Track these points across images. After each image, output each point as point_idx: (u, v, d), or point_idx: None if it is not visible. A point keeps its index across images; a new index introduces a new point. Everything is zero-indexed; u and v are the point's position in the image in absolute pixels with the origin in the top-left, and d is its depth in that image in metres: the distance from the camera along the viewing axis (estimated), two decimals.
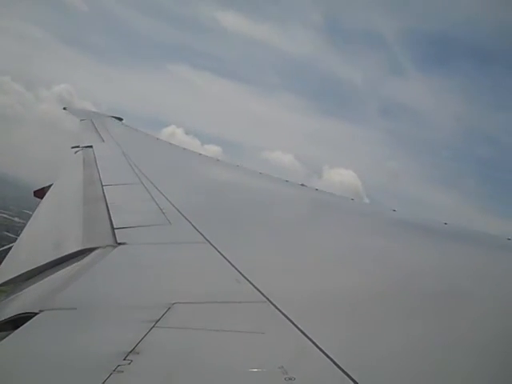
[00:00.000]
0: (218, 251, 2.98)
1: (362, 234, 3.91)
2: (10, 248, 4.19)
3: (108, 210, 4.14)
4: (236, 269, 2.62)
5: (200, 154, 9.36)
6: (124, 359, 1.60)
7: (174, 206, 4.28)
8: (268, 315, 2.03)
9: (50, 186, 6.64)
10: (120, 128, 12.96)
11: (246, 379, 1.54)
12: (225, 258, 2.84)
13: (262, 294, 2.24)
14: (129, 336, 1.80)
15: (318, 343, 1.73)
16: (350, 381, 1.49)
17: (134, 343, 1.71)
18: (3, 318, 2.27)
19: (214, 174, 7.44)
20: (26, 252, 3.95)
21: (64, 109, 15.61)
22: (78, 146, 8.74)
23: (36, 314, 2.10)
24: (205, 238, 3.30)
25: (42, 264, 3.14)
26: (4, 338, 1.90)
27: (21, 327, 1.98)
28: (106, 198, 4.64)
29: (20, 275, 3.10)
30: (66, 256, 3.19)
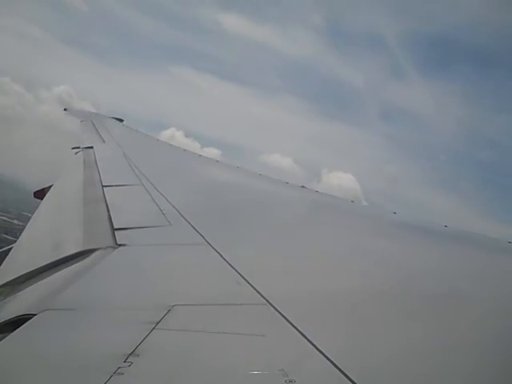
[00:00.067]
0: (218, 253, 2.97)
1: (363, 236, 3.91)
2: (9, 249, 4.19)
3: (108, 211, 4.14)
4: (236, 271, 2.61)
5: (200, 156, 9.37)
6: (124, 361, 1.59)
7: (174, 207, 4.28)
8: (268, 317, 2.02)
9: (50, 187, 6.63)
10: (121, 129, 12.97)
11: (247, 382, 1.54)
12: (225, 259, 2.84)
13: (262, 296, 2.24)
14: (129, 338, 1.80)
15: (318, 346, 1.73)
16: (351, 383, 1.49)
17: (135, 345, 1.71)
18: (3, 320, 2.26)
19: (214, 175, 7.45)
20: (26, 253, 3.95)
21: (65, 110, 15.66)
22: (78, 147, 8.74)
23: (36, 315, 2.10)
24: (205, 239, 3.30)
25: (42, 265, 3.14)
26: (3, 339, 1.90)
27: (20, 328, 1.97)
28: (107, 199, 4.64)
29: (20, 276, 3.09)
30: (66, 257, 3.18)
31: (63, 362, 1.69)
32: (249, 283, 2.42)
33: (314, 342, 1.75)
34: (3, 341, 1.86)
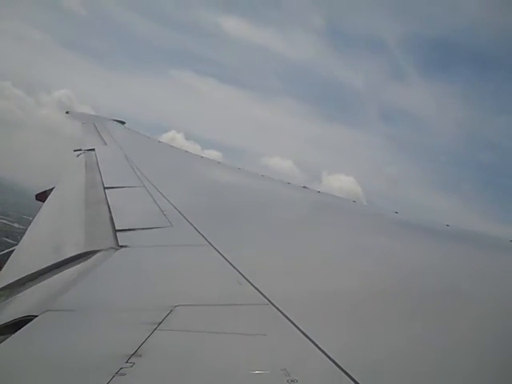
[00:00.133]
0: (220, 253, 2.98)
1: (364, 235, 3.91)
2: (10, 252, 4.20)
3: (110, 213, 4.15)
4: (238, 271, 2.62)
5: (202, 157, 9.39)
6: (126, 362, 1.59)
7: (176, 208, 4.29)
8: (270, 317, 2.02)
9: (51, 189, 6.65)
10: (122, 131, 13.00)
11: (249, 381, 1.54)
12: (226, 260, 2.84)
13: (264, 296, 2.24)
14: (131, 338, 1.80)
15: (320, 345, 1.72)
16: (353, 382, 1.49)
17: (137, 346, 1.71)
18: (4, 321, 2.26)
19: (215, 176, 7.45)
20: (28, 255, 3.96)
21: (67, 113, 15.73)
22: (80, 150, 8.76)
23: (37, 316, 2.10)
24: (207, 240, 3.30)
25: (43, 267, 3.14)
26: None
27: (22, 329, 1.97)
28: (108, 200, 4.65)
29: (22, 278, 3.10)
30: (68, 259, 3.19)
31: (65, 363, 1.69)
32: (250, 283, 2.42)
33: (316, 342, 1.75)
34: (5, 342, 1.86)
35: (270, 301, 2.17)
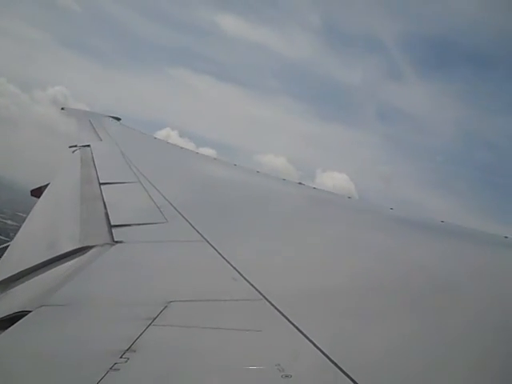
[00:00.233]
0: (215, 249, 2.98)
1: (359, 231, 3.92)
2: (6, 247, 4.18)
3: (105, 208, 4.14)
4: (233, 267, 2.62)
5: (197, 153, 9.38)
6: (121, 357, 1.59)
7: (171, 204, 4.28)
8: (264, 313, 2.03)
9: (46, 185, 6.63)
10: (118, 127, 12.97)
11: (243, 377, 1.54)
12: (221, 255, 2.84)
13: (259, 291, 2.24)
14: (125, 334, 1.80)
15: (314, 341, 1.73)
16: (347, 378, 1.49)
17: (131, 341, 1.71)
18: None
19: (211, 172, 7.45)
20: (23, 250, 3.94)
21: (62, 109, 15.65)
22: (75, 146, 8.73)
23: (32, 311, 2.09)
24: (202, 236, 3.30)
25: (38, 262, 3.13)
26: None
27: (16, 324, 1.97)
28: (104, 196, 4.64)
29: (16, 274, 3.09)
30: (63, 254, 3.18)
31: (59, 358, 1.69)
32: (245, 279, 2.42)
33: (311, 338, 1.75)
34: None
35: (264, 296, 2.18)
